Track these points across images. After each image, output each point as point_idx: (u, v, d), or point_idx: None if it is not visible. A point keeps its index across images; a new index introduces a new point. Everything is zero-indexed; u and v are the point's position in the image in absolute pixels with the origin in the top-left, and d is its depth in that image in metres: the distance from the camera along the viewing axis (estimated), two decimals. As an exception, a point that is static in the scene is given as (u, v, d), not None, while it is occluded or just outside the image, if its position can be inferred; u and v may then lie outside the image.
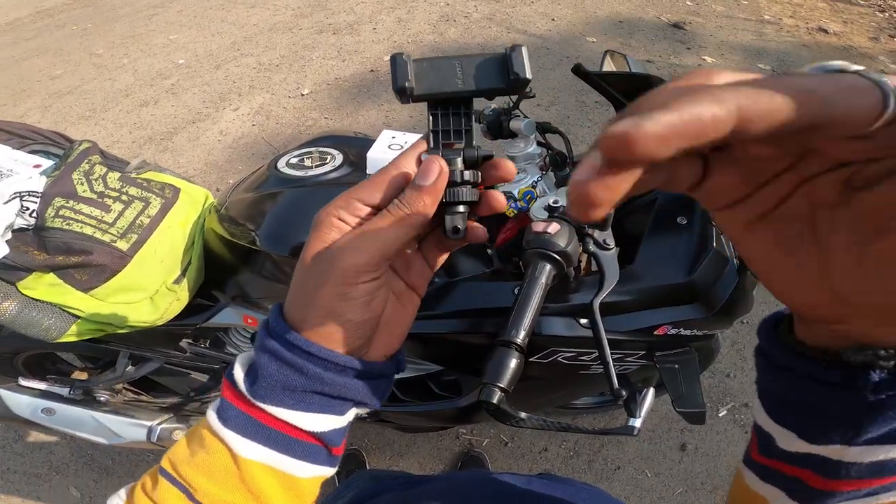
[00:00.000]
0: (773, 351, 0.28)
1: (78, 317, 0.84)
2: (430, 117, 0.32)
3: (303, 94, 2.95)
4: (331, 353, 0.29)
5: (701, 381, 0.81)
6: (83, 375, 1.20)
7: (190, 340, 1.05)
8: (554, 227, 0.55)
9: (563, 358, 0.80)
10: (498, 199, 0.32)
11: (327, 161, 0.89)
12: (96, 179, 0.84)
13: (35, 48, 3.65)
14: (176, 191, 0.90)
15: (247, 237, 0.84)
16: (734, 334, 1.78)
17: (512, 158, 0.86)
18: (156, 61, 3.36)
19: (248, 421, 0.30)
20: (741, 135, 0.16)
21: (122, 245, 0.81)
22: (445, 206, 0.31)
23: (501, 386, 0.43)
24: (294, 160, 0.90)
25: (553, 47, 3.31)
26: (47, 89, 3.15)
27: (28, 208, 0.79)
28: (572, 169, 0.81)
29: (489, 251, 0.82)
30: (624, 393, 0.59)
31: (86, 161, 0.85)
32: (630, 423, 0.66)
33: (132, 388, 1.25)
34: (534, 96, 0.82)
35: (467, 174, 0.31)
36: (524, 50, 0.30)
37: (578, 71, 0.74)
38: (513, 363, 0.44)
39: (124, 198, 0.85)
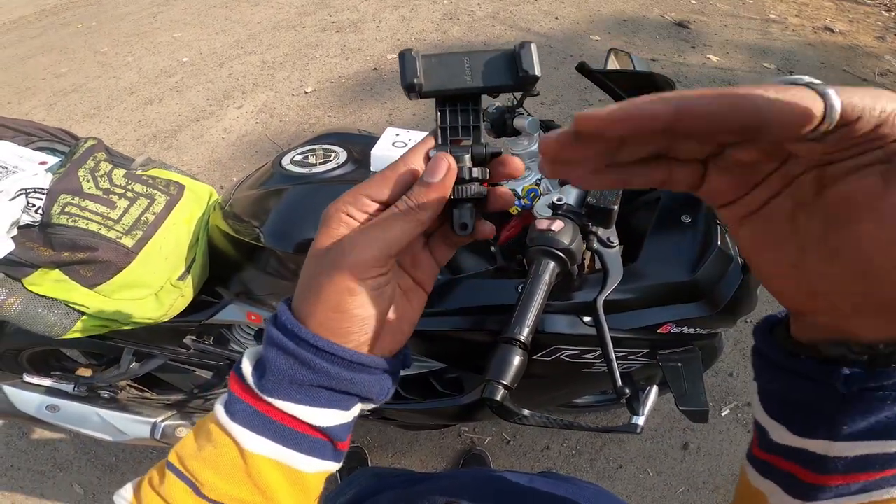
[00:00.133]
0: (764, 347, 0.29)
1: (83, 313, 0.85)
2: (439, 113, 0.32)
3: (306, 92, 2.95)
4: (338, 347, 0.29)
5: (704, 379, 0.81)
6: (87, 372, 1.20)
7: (194, 337, 1.05)
8: (558, 225, 0.55)
9: (566, 356, 0.80)
10: (506, 195, 0.32)
11: (331, 158, 0.89)
12: (102, 176, 0.84)
13: (40, 46, 3.67)
14: (181, 188, 0.90)
15: (251, 234, 0.85)
16: (738, 333, 1.78)
17: (515, 156, 0.86)
18: (160, 59, 3.37)
19: (255, 415, 0.30)
20: (682, 127, 0.20)
21: (128, 241, 0.81)
22: (453, 203, 0.31)
23: (505, 383, 0.43)
24: (298, 157, 0.91)
25: (557, 45, 3.30)
26: (52, 87, 3.16)
27: (34, 205, 0.79)
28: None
29: (493, 248, 0.82)
30: (627, 391, 0.59)
31: (91, 158, 0.85)
32: (633, 422, 0.66)
33: (136, 385, 1.25)
34: (538, 94, 0.81)
35: (475, 171, 0.31)
36: (533, 47, 0.30)
37: (582, 69, 0.73)
38: (516, 360, 0.44)
39: (129, 195, 0.85)
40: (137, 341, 1.06)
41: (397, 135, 0.89)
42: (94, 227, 0.80)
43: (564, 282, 0.74)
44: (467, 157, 0.31)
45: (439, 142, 0.32)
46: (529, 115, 0.82)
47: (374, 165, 0.87)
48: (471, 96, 0.32)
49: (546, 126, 0.85)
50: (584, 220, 0.61)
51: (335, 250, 0.29)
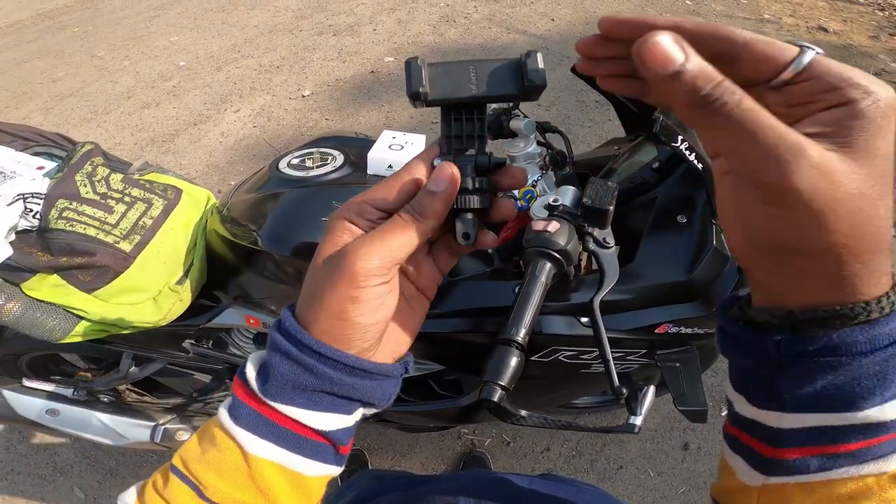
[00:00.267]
0: (721, 320, 0.31)
1: (82, 318, 0.85)
2: (443, 122, 0.32)
3: (304, 96, 2.95)
4: (341, 353, 0.30)
5: (702, 379, 0.82)
6: (87, 376, 1.20)
7: (193, 341, 1.05)
8: (554, 226, 0.55)
9: (564, 356, 0.80)
10: (508, 207, 0.33)
11: (328, 162, 0.89)
12: (99, 181, 0.85)
13: (36, 50, 3.67)
14: (178, 192, 0.90)
15: (249, 238, 0.85)
16: (735, 333, 1.78)
17: (512, 158, 0.87)
18: (157, 63, 3.37)
19: (259, 419, 0.31)
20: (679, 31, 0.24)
21: (125, 246, 0.82)
22: (456, 213, 0.32)
23: (502, 384, 0.43)
24: (295, 161, 0.91)
25: (553, 47, 3.31)
26: (49, 92, 3.16)
27: (31, 210, 0.79)
28: (572, 168, 0.81)
29: (490, 250, 0.83)
30: (625, 391, 0.59)
31: (88, 163, 0.85)
32: (631, 422, 0.66)
33: (136, 389, 1.25)
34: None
35: (479, 181, 0.31)
36: (539, 56, 0.30)
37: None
38: (513, 361, 0.44)
39: (127, 199, 0.85)
40: (136, 345, 1.06)
41: (394, 137, 0.89)
42: (91, 231, 0.80)
43: (561, 283, 0.74)
44: (471, 166, 0.31)
45: (444, 151, 0.32)
46: (526, 116, 0.82)
47: (371, 168, 0.87)
48: (476, 105, 0.32)
49: (542, 128, 0.85)
50: (580, 220, 0.61)
51: (338, 258, 0.30)
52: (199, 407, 1.24)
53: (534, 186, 0.80)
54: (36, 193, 0.80)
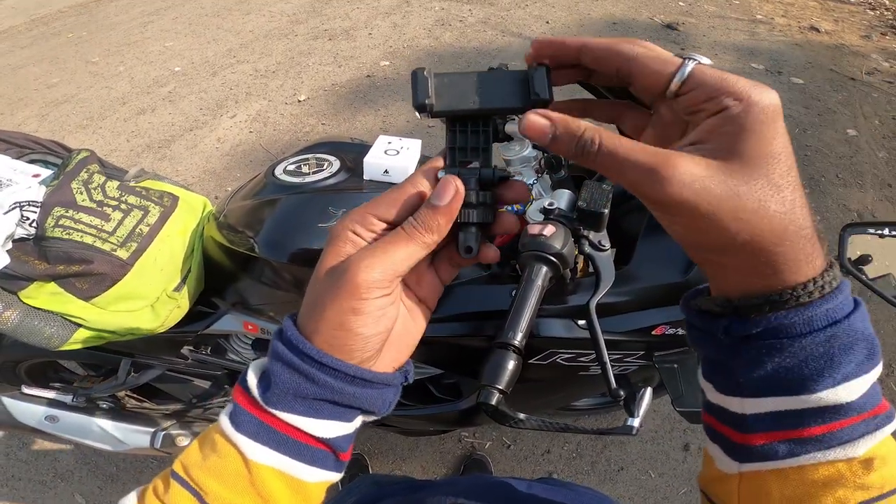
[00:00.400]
0: (683, 311, 0.33)
1: (80, 325, 0.85)
2: (448, 133, 0.32)
3: (300, 101, 2.96)
4: (341, 363, 0.30)
5: (699, 380, 0.82)
6: (86, 383, 1.20)
7: (191, 347, 1.05)
8: (550, 230, 0.56)
9: (562, 359, 0.81)
10: (510, 221, 0.33)
11: (324, 167, 0.90)
12: (95, 188, 0.85)
13: (31, 56, 3.66)
14: (174, 199, 0.90)
15: (245, 244, 0.85)
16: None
17: (507, 161, 0.87)
18: (152, 69, 3.37)
19: (260, 426, 0.31)
20: (585, 58, 0.29)
21: (122, 254, 0.82)
22: (459, 226, 0.32)
23: (499, 387, 0.43)
24: (291, 167, 0.91)
25: (548, 50, 3.32)
26: (44, 98, 3.15)
27: (28, 218, 0.79)
28: (567, 171, 0.82)
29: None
30: (622, 393, 0.59)
31: (84, 170, 0.85)
32: (629, 423, 0.67)
33: (135, 395, 1.25)
34: None
35: (482, 195, 0.32)
36: (546, 70, 0.30)
37: None
38: (510, 365, 0.44)
39: (123, 206, 0.85)
40: (135, 352, 1.06)
41: (389, 142, 0.89)
42: (88, 239, 0.80)
43: (558, 286, 0.74)
44: (475, 180, 0.31)
45: (448, 163, 0.32)
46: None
47: (367, 174, 0.87)
48: (481, 117, 0.32)
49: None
50: (575, 224, 0.61)
51: (340, 269, 0.30)
52: (198, 412, 1.24)
53: (529, 190, 0.80)
54: (32, 201, 0.80)
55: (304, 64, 3.29)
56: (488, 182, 0.32)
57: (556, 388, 0.98)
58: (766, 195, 0.25)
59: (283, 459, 0.31)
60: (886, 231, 0.76)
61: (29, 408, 1.16)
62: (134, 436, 1.19)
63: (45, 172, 0.85)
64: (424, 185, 0.32)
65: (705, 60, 0.27)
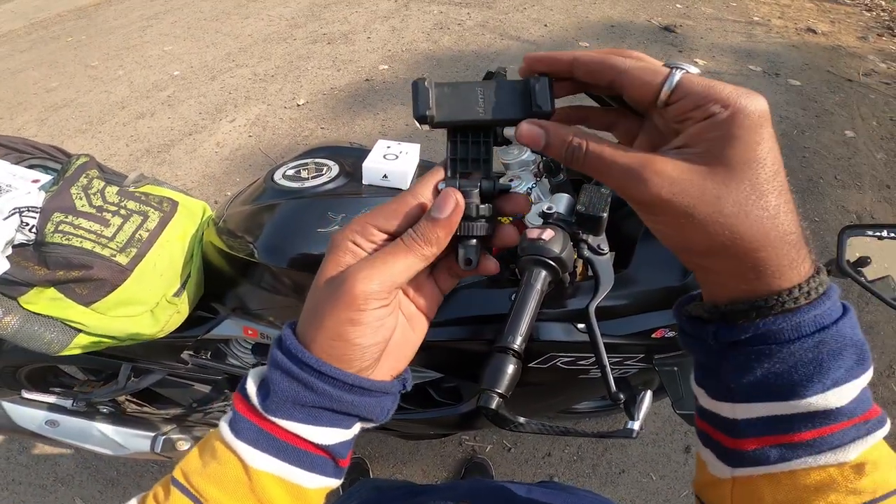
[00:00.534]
0: (675, 317, 0.34)
1: (80, 330, 0.85)
2: (449, 144, 0.32)
3: (299, 105, 2.96)
4: (340, 372, 0.30)
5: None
6: (86, 388, 1.20)
7: (191, 352, 1.05)
8: (548, 234, 0.56)
9: (561, 363, 0.81)
10: (510, 234, 0.33)
11: (323, 172, 0.90)
12: (94, 194, 0.85)
13: (30, 60, 3.67)
14: (174, 204, 0.91)
15: (245, 249, 0.85)
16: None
17: (506, 165, 0.87)
18: (151, 73, 3.38)
19: (259, 433, 0.31)
20: (577, 72, 0.30)
21: (122, 259, 0.82)
22: (459, 238, 0.32)
23: (499, 391, 0.44)
24: (290, 172, 0.91)
25: (546, 52, 3.33)
26: (43, 102, 3.16)
27: (28, 224, 0.79)
28: (566, 175, 0.82)
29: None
30: (622, 396, 0.59)
31: (84, 175, 0.85)
32: (629, 426, 0.67)
33: (135, 400, 1.25)
34: None
35: (483, 208, 0.31)
36: (548, 81, 0.30)
37: None
38: (510, 369, 0.44)
39: (123, 212, 0.85)
40: (135, 357, 1.06)
41: (388, 147, 0.89)
42: (88, 245, 0.80)
43: (557, 290, 0.74)
44: (476, 192, 0.31)
45: (449, 174, 0.32)
46: (519, 124, 0.83)
47: (366, 178, 0.87)
48: (482, 128, 0.32)
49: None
50: (574, 228, 0.62)
51: (339, 280, 0.30)
52: (198, 417, 1.24)
53: (528, 194, 0.81)
54: (32, 207, 0.80)
55: (303, 68, 3.30)
56: (489, 194, 0.32)
57: (556, 391, 0.98)
58: (747, 199, 0.25)
59: (282, 466, 0.31)
60: (885, 233, 0.76)
61: (29, 412, 1.16)
62: (134, 440, 1.19)
63: (45, 178, 0.86)
64: (425, 197, 0.32)
65: (692, 69, 0.27)
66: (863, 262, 0.76)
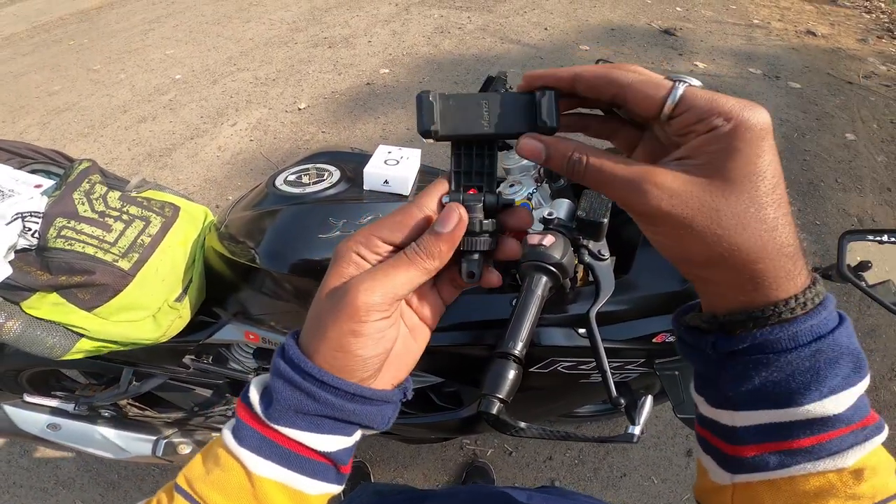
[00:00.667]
0: (674, 326, 0.34)
1: (82, 335, 0.85)
2: (454, 157, 0.32)
3: (300, 109, 2.97)
4: (341, 381, 0.31)
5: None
6: (88, 391, 1.20)
7: (193, 356, 1.06)
8: (549, 240, 0.56)
9: (562, 367, 0.81)
10: (513, 247, 0.34)
11: (324, 177, 0.90)
12: (97, 199, 0.85)
13: (32, 64, 3.68)
14: (176, 209, 0.91)
15: (246, 255, 0.85)
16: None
17: (507, 170, 0.88)
18: (153, 77, 3.39)
19: (262, 441, 0.32)
20: (580, 87, 0.30)
21: (124, 264, 0.82)
22: (462, 252, 0.32)
23: (500, 396, 0.44)
24: (292, 177, 0.91)
25: (546, 56, 3.34)
26: (45, 105, 3.17)
27: (30, 229, 0.80)
28: (566, 180, 0.82)
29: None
30: (622, 401, 0.60)
31: (86, 180, 0.86)
32: (629, 431, 0.67)
33: (137, 404, 1.25)
34: None
35: (486, 223, 0.32)
36: (555, 96, 0.30)
37: None
38: (511, 374, 0.45)
39: (125, 217, 0.85)
40: (137, 361, 1.07)
41: (389, 152, 0.90)
42: (90, 250, 0.80)
43: (558, 295, 0.75)
44: (479, 206, 0.31)
45: (453, 187, 0.32)
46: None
47: (367, 184, 0.88)
48: (487, 141, 0.32)
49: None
50: (574, 233, 0.62)
51: (341, 291, 0.30)
52: (200, 421, 1.24)
53: (529, 199, 0.81)
54: (34, 212, 0.80)
55: (304, 72, 3.31)
56: (492, 208, 0.32)
57: (557, 396, 0.98)
58: (746, 212, 0.26)
59: (285, 473, 0.32)
60: (885, 238, 0.76)
61: (31, 416, 1.16)
62: (136, 444, 1.19)
63: (47, 183, 0.86)
64: (430, 209, 0.32)
65: (695, 82, 0.28)
66: (863, 266, 0.76)
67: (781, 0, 4.15)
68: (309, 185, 0.89)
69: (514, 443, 1.60)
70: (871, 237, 0.76)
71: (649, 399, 0.73)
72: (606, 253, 0.64)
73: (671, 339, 0.79)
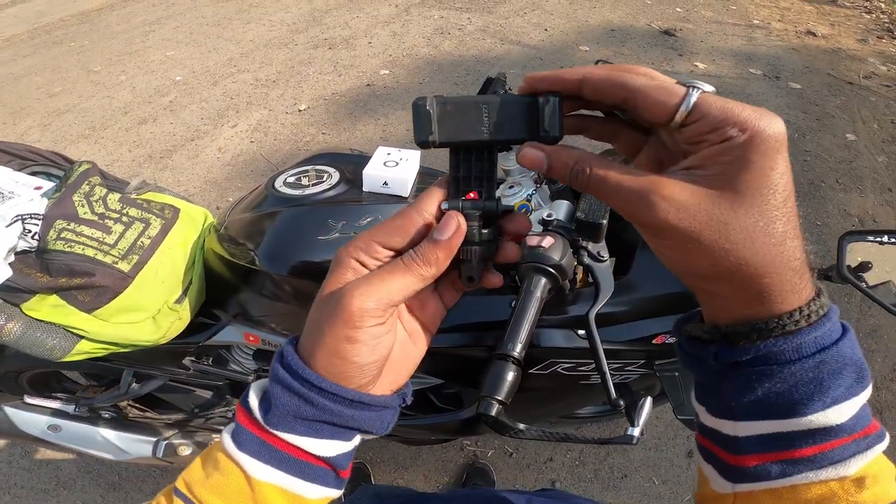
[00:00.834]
0: (675, 335, 0.34)
1: (82, 337, 0.85)
2: (452, 162, 0.31)
3: (300, 110, 2.97)
4: (339, 388, 0.31)
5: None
6: (88, 393, 1.20)
7: (193, 358, 1.06)
8: (548, 241, 0.56)
9: (562, 369, 0.81)
10: (512, 251, 0.34)
11: (324, 179, 0.90)
12: (97, 201, 0.85)
13: (33, 65, 3.68)
14: (175, 211, 0.91)
15: (246, 257, 0.85)
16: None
17: (506, 171, 0.88)
18: (153, 78, 3.39)
19: (262, 445, 0.32)
20: (587, 91, 0.28)
21: (124, 266, 0.82)
22: (461, 260, 0.32)
23: (499, 398, 0.44)
24: (291, 179, 0.91)
25: (546, 57, 3.34)
26: (46, 107, 3.17)
27: (30, 231, 0.80)
28: (566, 182, 0.82)
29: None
30: (622, 403, 0.59)
31: (86, 182, 0.86)
32: (629, 433, 0.67)
33: (137, 405, 1.25)
34: None
35: (485, 232, 0.31)
36: (558, 103, 0.29)
37: None
38: (510, 376, 0.44)
39: (125, 219, 0.86)
40: (137, 363, 1.07)
41: (389, 154, 0.90)
42: (90, 252, 0.80)
43: (558, 296, 0.75)
44: (478, 214, 0.31)
45: (451, 193, 0.31)
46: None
47: (367, 185, 0.88)
48: (487, 146, 0.31)
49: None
50: (574, 235, 0.62)
51: (336, 297, 0.30)
52: (200, 422, 1.24)
53: (528, 201, 0.81)
54: (34, 214, 0.80)
55: (305, 73, 3.31)
56: (491, 214, 0.31)
57: (556, 397, 0.98)
58: (755, 226, 0.25)
59: (284, 477, 0.32)
60: (886, 238, 0.76)
61: (31, 417, 1.16)
62: (136, 445, 1.19)
63: (47, 185, 0.86)
64: (430, 213, 0.32)
65: (708, 87, 0.26)
66: (864, 267, 0.76)
67: (781, 0, 4.15)
68: (308, 186, 0.89)
69: (515, 444, 1.60)
70: (871, 238, 0.76)
71: (649, 400, 0.73)
72: (606, 254, 0.64)
73: (671, 340, 0.79)
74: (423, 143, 0.30)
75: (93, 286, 0.80)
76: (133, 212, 0.87)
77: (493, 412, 0.44)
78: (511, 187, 0.85)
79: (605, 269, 0.64)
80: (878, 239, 0.76)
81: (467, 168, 0.31)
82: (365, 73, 3.26)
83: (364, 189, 0.88)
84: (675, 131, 0.27)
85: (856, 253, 0.76)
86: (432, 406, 1.06)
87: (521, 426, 0.55)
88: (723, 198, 0.25)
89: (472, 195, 0.32)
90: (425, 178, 0.94)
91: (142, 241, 0.85)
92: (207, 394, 1.18)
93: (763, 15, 3.93)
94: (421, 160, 0.92)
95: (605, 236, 0.64)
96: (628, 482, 1.51)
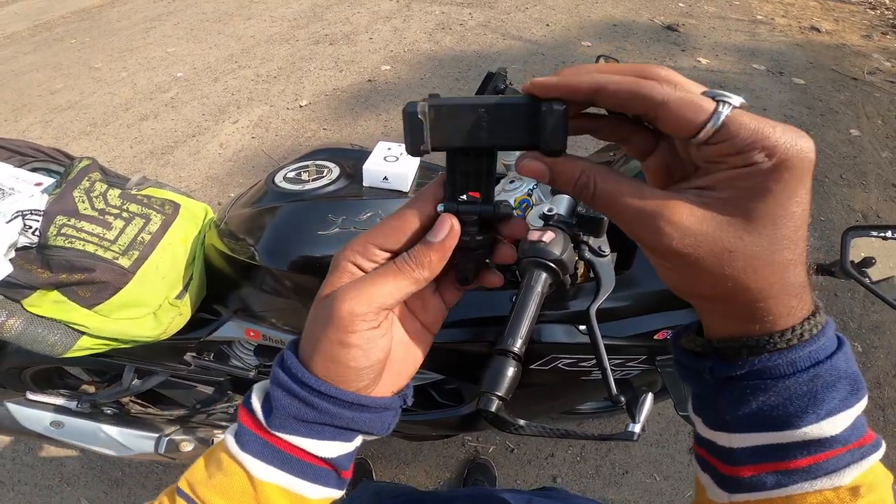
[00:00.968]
0: (671, 347, 0.34)
1: (83, 333, 0.85)
2: (449, 161, 0.29)
3: (301, 106, 2.97)
4: (339, 391, 0.31)
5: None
6: (90, 389, 1.21)
7: (194, 354, 1.06)
8: (549, 236, 0.56)
9: (563, 364, 0.80)
10: (508, 253, 0.33)
11: (324, 174, 0.90)
12: (97, 197, 0.85)
13: (34, 62, 3.69)
14: (176, 207, 0.91)
15: (246, 252, 0.85)
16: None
17: (507, 166, 0.87)
18: (154, 74, 3.39)
19: (264, 446, 0.32)
20: (600, 100, 0.25)
21: (125, 262, 0.82)
22: (457, 262, 0.31)
23: (499, 394, 0.43)
24: (291, 174, 0.91)
25: (548, 52, 3.33)
26: (47, 104, 3.17)
27: (31, 227, 0.80)
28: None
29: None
30: (623, 398, 0.59)
31: (86, 178, 0.86)
32: (629, 429, 0.67)
33: (139, 401, 1.26)
34: None
35: (481, 238, 0.31)
36: (564, 113, 0.26)
37: None
38: (510, 371, 0.44)
39: (125, 215, 0.85)
40: (138, 358, 1.07)
41: (389, 149, 0.89)
42: (90, 248, 0.80)
43: (559, 291, 0.74)
44: (475, 219, 0.30)
45: (448, 195, 0.30)
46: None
47: (367, 180, 0.88)
48: (484, 149, 0.29)
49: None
50: (575, 229, 0.61)
51: (329, 300, 0.30)
52: (202, 418, 1.24)
53: (529, 195, 0.81)
54: (34, 210, 0.81)
55: (306, 69, 3.30)
56: (488, 218, 0.30)
57: (557, 393, 0.98)
58: (761, 254, 0.25)
59: (286, 477, 0.32)
60: (890, 234, 0.75)
61: (34, 413, 1.17)
62: (138, 441, 1.19)
63: (48, 181, 0.86)
64: (427, 213, 0.31)
65: (737, 101, 0.24)
66: (867, 262, 0.75)
67: (785, -5, 4.12)
68: (308, 181, 0.89)
69: (516, 440, 1.60)
70: (875, 233, 0.75)
71: (650, 396, 0.72)
72: (607, 249, 0.64)
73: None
74: (415, 153, 0.28)
75: (93, 282, 0.80)
76: (133, 207, 0.87)
77: (493, 408, 0.44)
78: (512, 182, 0.85)
79: (606, 263, 0.64)
80: (882, 234, 0.75)
81: (465, 167, 0.30)
82: (366, 68, 3.26)
83: (364, 184, 0.88)
84: (695, 146, 0.25)
85: (859, 248, 0.76)
86: (433, 402, 1.06)
87: (522, 422, 0.55)
88: (732, 224, 0.24)
89: (472, 193, 0.30)
90: (426, 173, 0.93)
91: (142, 237, 0.85)
92: (209, 390, 1.18)
93: (767, 10, 3.91)
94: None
95: (606, 231, 0.64)
96: (630, 478, 1.51)
